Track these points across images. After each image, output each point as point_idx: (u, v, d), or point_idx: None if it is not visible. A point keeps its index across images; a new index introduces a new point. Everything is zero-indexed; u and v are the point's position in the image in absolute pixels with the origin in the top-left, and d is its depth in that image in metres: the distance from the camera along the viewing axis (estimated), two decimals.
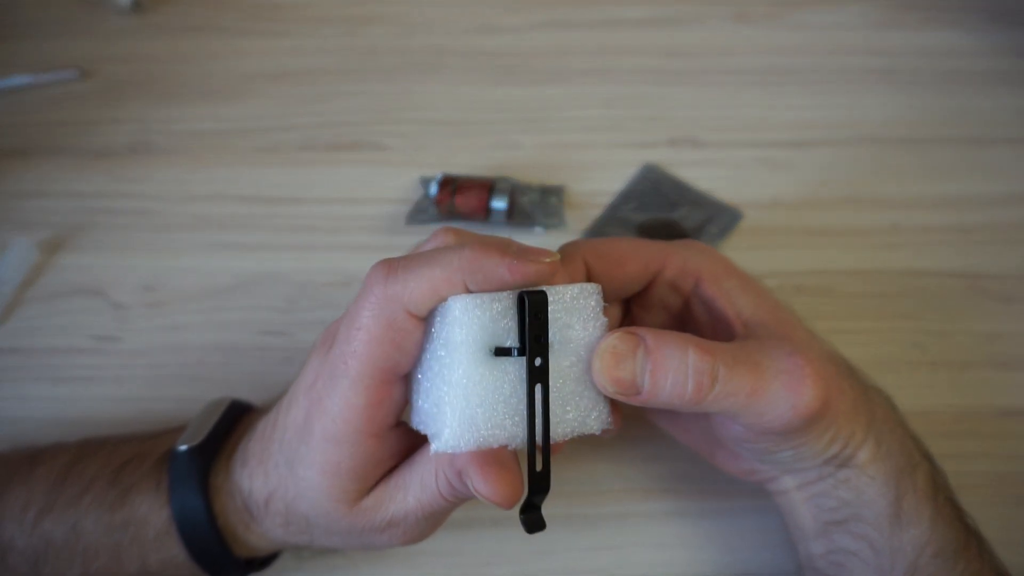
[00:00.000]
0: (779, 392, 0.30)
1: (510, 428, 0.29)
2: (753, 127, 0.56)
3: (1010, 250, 0.50)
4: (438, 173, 0.51)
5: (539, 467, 0.29)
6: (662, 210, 0.52)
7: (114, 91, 0.58)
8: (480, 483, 0.28)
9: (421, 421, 0.30)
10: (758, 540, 0.39)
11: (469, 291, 0.28)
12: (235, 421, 0.36)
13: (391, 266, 0.29)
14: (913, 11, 0.64)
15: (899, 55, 0.61)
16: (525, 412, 0.29)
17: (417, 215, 0.51)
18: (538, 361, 0.28)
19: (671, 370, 0.29)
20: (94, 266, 0.49)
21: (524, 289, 0.28)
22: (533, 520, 0.29)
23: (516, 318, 0.29)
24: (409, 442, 0.32)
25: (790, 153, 0.55)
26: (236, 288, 0.48)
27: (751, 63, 0.60)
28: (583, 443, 0.42)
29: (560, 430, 0.30)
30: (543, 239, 0.51)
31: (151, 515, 0.33)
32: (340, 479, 0.31)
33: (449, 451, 0.28)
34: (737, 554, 0.39)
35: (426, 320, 0.30)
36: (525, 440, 0.29)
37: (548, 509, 0.40)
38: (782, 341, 0.32)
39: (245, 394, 0.43)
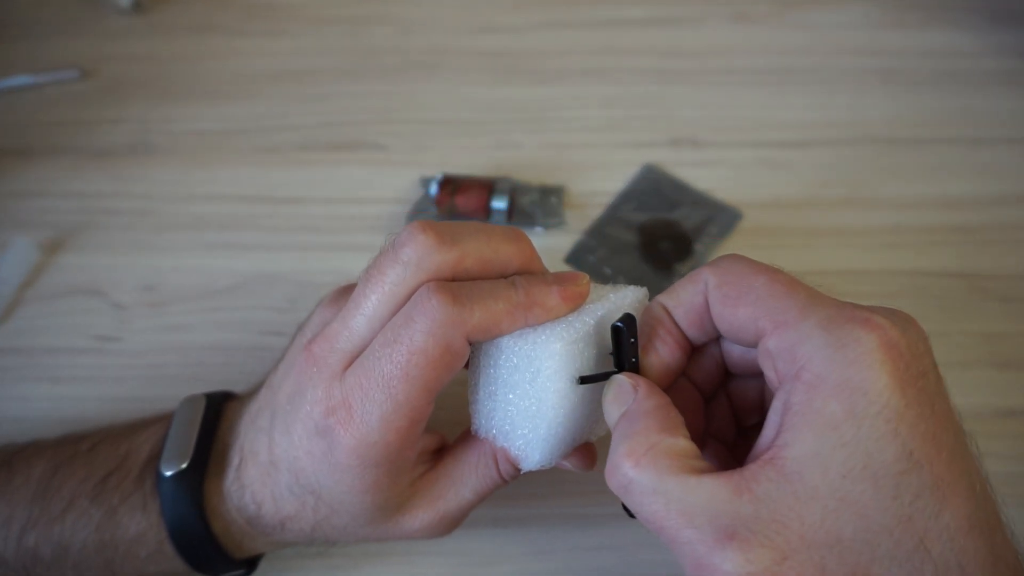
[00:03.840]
0: None
1: (583, 434, 0.32)
2: (753, 127, 0.56)
3: (1010, 250, 0.50)
4: (438, 173, 0.51)
5: None
6: (662, 210, 0.52)
7: (114, 91, 0.58)
8: (571, 462, 0.32)
9: (490, 431, 0.32)
10: None
11: (527, 324, 0.30)
12: (215, 425, 0.35)
13: (455, 294, 0.29)
14: (914, 11, 0.64)
15: (900, 55, 0.61)
16: (591, 421, 0.32)
17: (417, 215, 0.51)
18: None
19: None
20: (94, 266, 0.49)
21: (617, 321, 0.29)
22: None
23: (590, 344, 0.30)
24: (426, 440, 0.33)
25: (790, 153, 0.55)
26: (236, 288, 0.48)
27: (751, 63, 0.60)
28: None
29: (600, 427, 0.33)
30: (543, 239, 0.51)
31: (142, 536, 0.33)
32: (382, 493, 0.31)
33: (536, 469, 0.32)
34: None
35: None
36: (587, 439, 0.33)
37: (548, 509, 0.40)
38: None
39: None
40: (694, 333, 0.30)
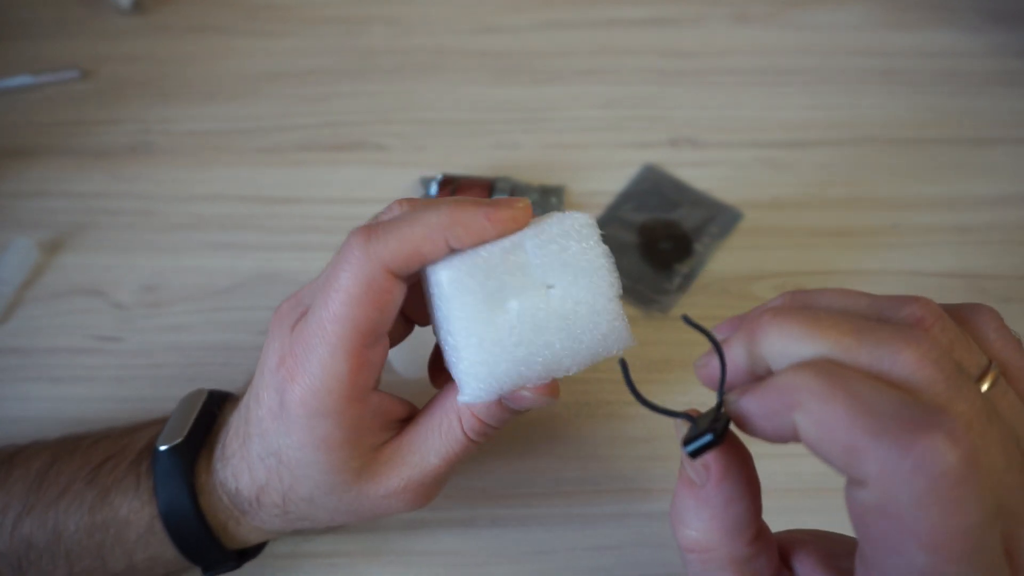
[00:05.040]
0: None
1: (527, 372, 0.30)
2: (753, 127, 0.56)
3: (1010, 250, 0.50)
4: (438, 173, 0.51)
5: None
6: (662, 210, 0.52)
7: (114, 91, 0.58)
8: (526, 397, 0.30)
9: (448, 365, 0.31)
10: None
11: (451, 248, 0.29)
12: (215, 414, 0.36)
13: (370, 229, 0.29)
14: (913, 11, 0.64)
15: (899, 55, 0.61)
16: (538, 354, 0.29)
17: None
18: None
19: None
20: (94, 266, 0.49)
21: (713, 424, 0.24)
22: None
23: (502, 273, 0.29)
24: (390, 404, 0.32)
25: (790, 153, 0.55)
26: (236, 288, 0.48)
27: (751, 63, 0.60)
28: (582, 443, 0.42)
29: (581, 356, 0.30)
30: None
31: (132, 516, 0.33)
32: (336, 452, 0.30)
33: (474, 402, 0.30)
34: None
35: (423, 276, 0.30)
36: (542, 380, 0.30)
37: (548, 509, 0.40)
38: None
39: None
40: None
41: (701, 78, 0.59)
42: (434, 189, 0.50)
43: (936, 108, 0.58)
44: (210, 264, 0.49)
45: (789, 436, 0.22)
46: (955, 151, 0.55)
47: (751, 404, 0.23)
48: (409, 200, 0.32)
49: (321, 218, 0.52)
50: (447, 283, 0.29)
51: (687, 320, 0.26)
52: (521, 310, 0.29)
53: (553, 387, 0.30)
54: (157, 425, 0.36)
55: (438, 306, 0.30)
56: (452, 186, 0.50)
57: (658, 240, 0.50)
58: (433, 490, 0.33)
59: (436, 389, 0.36)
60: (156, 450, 0.34)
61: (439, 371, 0.38)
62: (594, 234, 0.30)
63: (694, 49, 0.61)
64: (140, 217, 0.51)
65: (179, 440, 0.34)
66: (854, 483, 0.21)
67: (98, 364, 0.45)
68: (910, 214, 0.52)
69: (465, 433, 0.31)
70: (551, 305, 0.29)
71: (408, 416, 0.34)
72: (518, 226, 0.29)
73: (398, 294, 0.29)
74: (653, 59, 0.61)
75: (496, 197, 0.30)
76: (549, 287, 0.29)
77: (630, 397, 0.25)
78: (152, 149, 0.55)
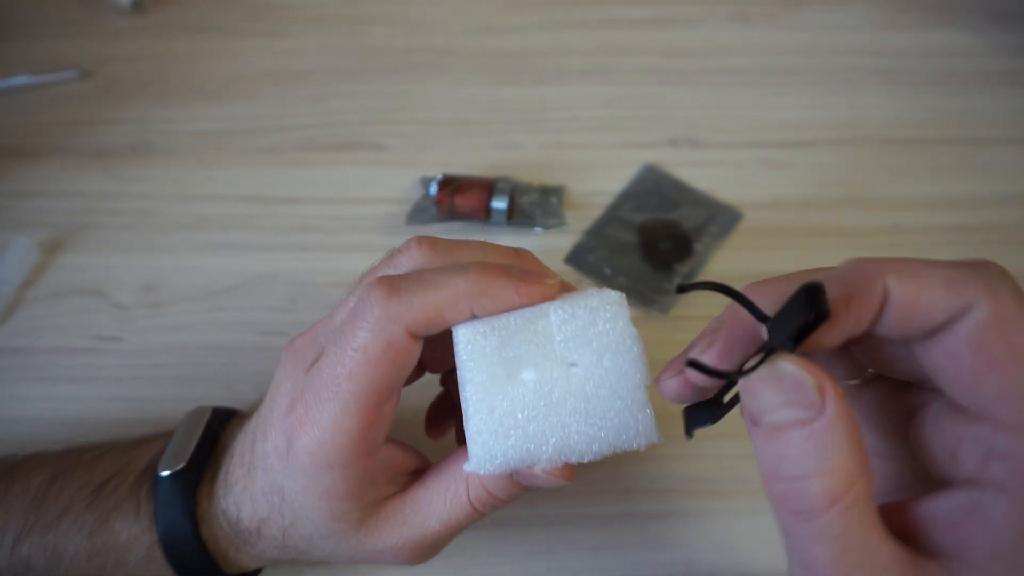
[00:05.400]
0: None
1: (536, 451, 0.28)
2: (753, 127, 0.56)
3: (1010, 250, 0.50)
4: (438, 173, 0.51)
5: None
6: (662, 210, 0.52)
7: (114, 91, 0.58)
8: (538, 476, 0.28)
9: (464, 427, 0.29)
10: (758, 540, 0.39)
11: (474, 315, 0.28)
12: (218, 434, 0.35)
13: (393, 286, 0.28)
14: (913, 11, 0.64)
15: (899, 55, 0.61)
16: (551, 434, 0.28)
17: (417, 215, 0.51)
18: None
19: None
20: (94, 266, 0.49)
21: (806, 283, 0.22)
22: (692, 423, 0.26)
23: (522, 341, 0.28)
24: (400, 457, 0.32)
25: (790, 153, 0.55)
26: (236, 288, 0.48)
27: (751, 63, 0.60)
28: None
29: (596, 446, 0.28)
30: (543, 239, 0.51)
31: (132, 541, 0.33)
32: (339, 502, 0.30)
33: (479, 471, 0.28)
34: (736, 554, 0.39)
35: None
36: (552, 461, 0.28)
37: (548, 509, 0.40)
38: None
39: (246, 394, 0.44)
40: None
41: (701, 78, 0.59)
42: (434, 189, 0.50)
43: (936, 108, 0.58)
44: (210, 264, 0.49)
45: (875, 309, 0.22)
46: (955, 151, 0.55)
47: (834, 283, 0.22)
48: (428, 241, 0.31)
49: (321, 218, 0.52)
50: (463, 342, 0.28)
51: (716, 286, 0.24)
52: (538, 383, 0.27)
53: (568, 470, 0.28)
54: (160, 440, 0.36)
55: (457, 364, 0.29)
56: (452, 186, 0.50)
57: (658, 240, 0.50)
58: (430, 552, 0.32)
59: (430, 438, 0.36)
60: (157, 475, 0.33)
61: (435, 422, 0.38)
62: (624, 314, 0.28)
63: (694, 49, 0.61)
64: (140, 217, 0.51)
65: (181, 466, 0.33)
66: (952, 320, 0.21)
67: (98, 364, 0.45)
68: (910, 214, 0.52)
69: (471, 502, 0.30)
70: (570, 384, 0.28)
71: (417, 468, 0.33)
72: (544, 300, 0.28)
73: (416, 354, 0.29)
74: (653, 59, 0.61)
75: (524, 267, 0.29)
76: (571, 365, 0.28)
77: None
78: (152, 149, 0.55)
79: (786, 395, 0.21)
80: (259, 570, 0.37)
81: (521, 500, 0.40)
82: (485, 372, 0.28)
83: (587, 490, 0.41)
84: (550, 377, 0.28)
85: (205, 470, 0.34)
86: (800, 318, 0.21)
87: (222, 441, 0.35)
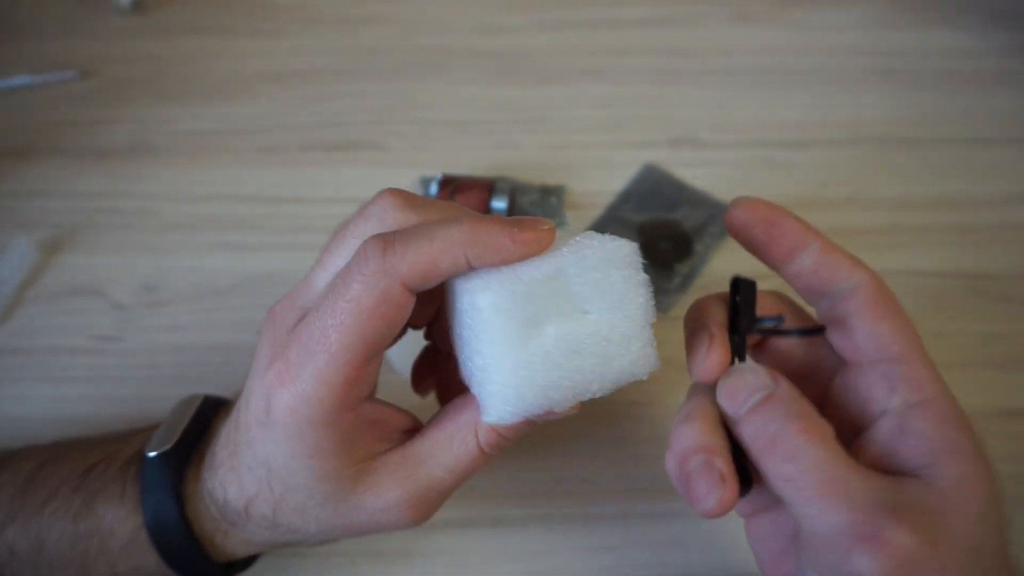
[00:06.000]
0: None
1: (555, 395, 0.29)
2: (753, 127, 0.56)
3: (1010, 250, 0.50)
4: (438, 173, 0.51)
5: None
6: (662, 210, 0.52)
7: (114, 91, 0.58)
8: (553, 415, 0.29)
9: (466, 376, 0.30)
10: None
11: (470, 264, 0.28)
12: (209, 419, 0.35)
13: (388, 240, 0.27)
14: (913, 11, 0.64)
15: (899, 55, 0.61)
16: (567, 378, 0.29)
17: None
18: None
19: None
20: (94, 266, 0.49)
21: (737, 276, 0.31)
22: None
23: (540, 296, 0.28)
24: (390, 415, 0.31)
25: (790, 153, 0.55)
26: (236, 288, 0.48)
27: (751, 63, 0.60)
28: (583, 442, 0.42)
29: (609, 380, 0.30)
30: None
31: (117, 525, 0.32)
32: (329, 459, 0.29)
33: (499, 423, 0.29)
34: (735, 554, 0.39)
35: (447, 289, 0.30)
36: (568, 404, 0.29)
37: (548, 509, 0.40)
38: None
39: None
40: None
41: (701, 78, 0.59)
42: (434, 189, 0.50)
43: (936, 108, 0.58)
44: (210, 264, 0.49)
45: (792, 245, 0.32)
46: (955, 151, 0.55)
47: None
48: (402, 193, 0.31)
49: (321, 218, 0.51)
50: (488, 307, 0.28)
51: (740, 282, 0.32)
52: (558, 336, 0.28)
53: (578, 404, 0.30)
54: (151, 430, 0.35)
55: (468, 324, 0.29)
56: (452, 186, 0.50)
57: (658, 240, 0.50)
58: (433, 506, 0.32)
59: (417, 394, 0.36)
60: (144, 456, 0.32)
61: (422, 377, 0.37)
62: (637, 262, 0.29)
63: (694, 49, 0.61)
64: (140, 217, 0.51)
65: (168, 447, 0.32)
66: (855, 289, 0.31)
67: (98, 364, 0.45)
68: (910, 214, 0.52)
69: (480, 446, 0.30)
70: (586, 330, 0.29)
71: (411, 428, 0.32)
72: (541, 248, 0.28)
73: (408, 311, 0.28)
74: (653, 59, 0.61)
75: (517, 216, 0.29)
76: (586, 312, 0.29)
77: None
78: (152, 149, 0.55)
79: (752, 380, 0.28)
80: (248, 562, 0.36)
81: (521, 500, 0.40)
82: (508, 332, 0.28)
83: (587, 490, 0.41)
84: (568, 328, 0.29)
85: (194, 451, 0.33)
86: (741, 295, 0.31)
87: (212, 426, 0.35)
